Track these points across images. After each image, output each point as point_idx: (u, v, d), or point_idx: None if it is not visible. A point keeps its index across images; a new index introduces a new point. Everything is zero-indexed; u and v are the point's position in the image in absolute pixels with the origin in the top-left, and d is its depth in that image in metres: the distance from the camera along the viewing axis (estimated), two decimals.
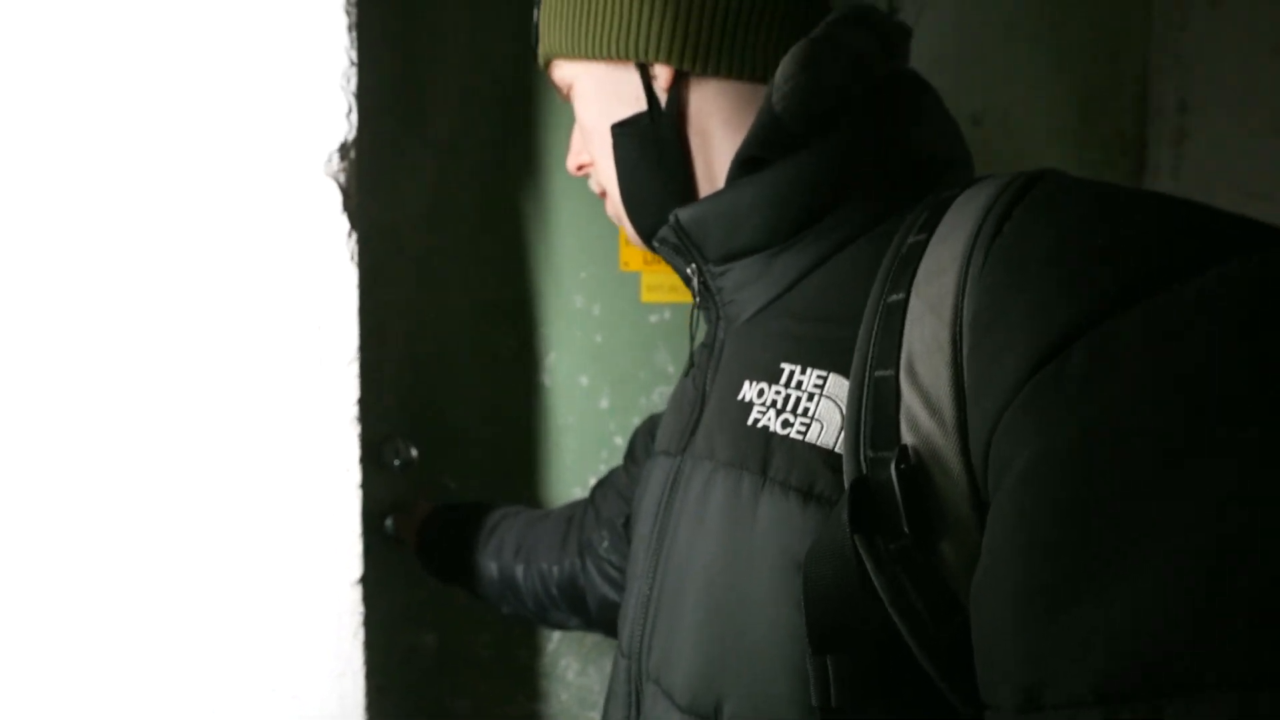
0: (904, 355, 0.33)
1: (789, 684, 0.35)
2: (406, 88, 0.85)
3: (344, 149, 0.61)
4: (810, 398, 0.38)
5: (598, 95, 0.47)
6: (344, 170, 0.61)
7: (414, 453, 0.85)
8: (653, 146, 0.46)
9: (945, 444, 0.31)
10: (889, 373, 0.33)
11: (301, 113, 0.59)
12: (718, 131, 0.45)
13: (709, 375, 0.47)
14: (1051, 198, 0.31)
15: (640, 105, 0.46)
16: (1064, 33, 1.16)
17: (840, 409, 0.37)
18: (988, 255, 0.31)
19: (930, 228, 0.36)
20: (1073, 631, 0.25)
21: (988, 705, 0.28)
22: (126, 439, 0.56)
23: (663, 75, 0.44)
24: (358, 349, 0.63)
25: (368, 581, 0.68)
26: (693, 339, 0.54)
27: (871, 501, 0.32)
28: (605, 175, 0.49)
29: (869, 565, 0.31)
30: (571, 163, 0.53)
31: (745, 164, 0.42)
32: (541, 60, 0.50)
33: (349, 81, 0.60)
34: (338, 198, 0.61)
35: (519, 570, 0.72)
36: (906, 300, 0.34)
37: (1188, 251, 0.27)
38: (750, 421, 0.41)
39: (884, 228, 0.40)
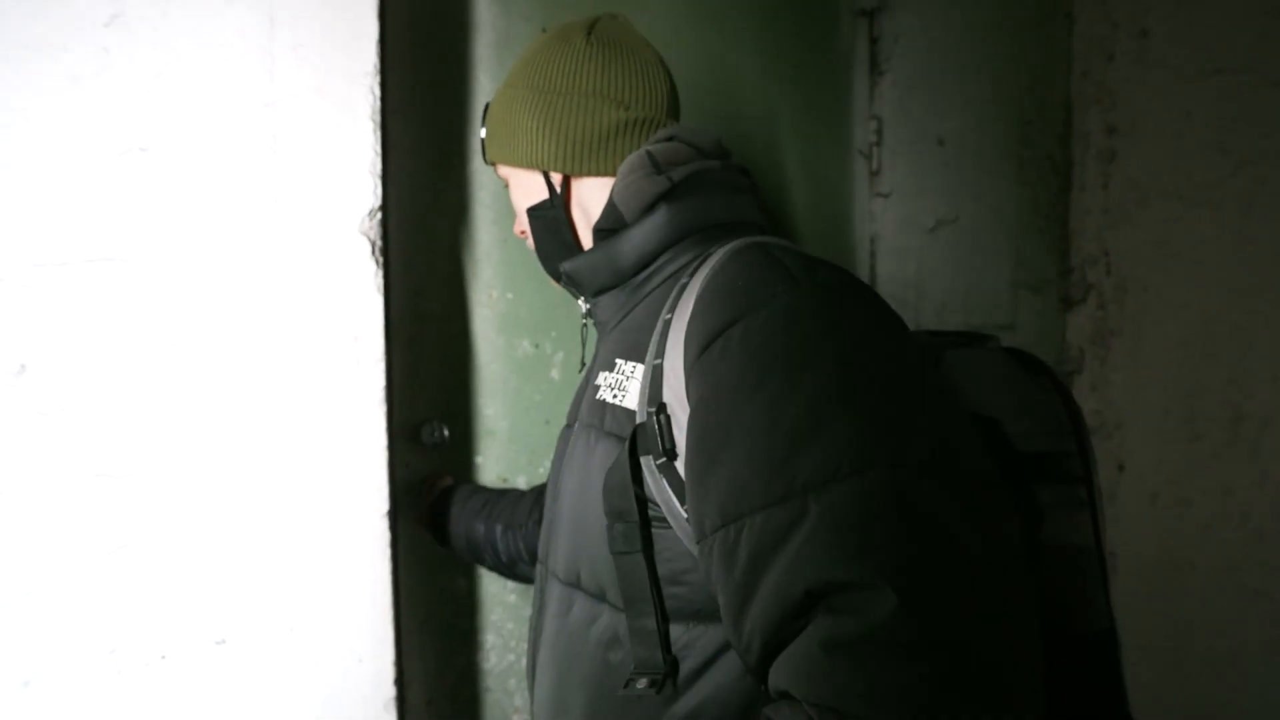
0: (666, 349, 0.56)
1: (604, 548, 0.57)
2: (437, 158, 1.12)
3: (371, 213, 0.87)
4: (628, 379, 0.61)
5: (521, 188, 0.72)
6: (371, 229, 0.87)
7: (446, 432, 1.10)
8: (552, 222, 0.70)
9: (676, 399, 0.53)
10: (659, 361, 0.56)
11: (342, 190, 0.86)
12: (593, 209, 0.68)
13: (584, 387, 0.70)
14: (727, 263, 0.56)
15: (544, 195, 0.70)
16: (1004, 67, 1.31)
17: (639, 384, 0.59)
18: (699, 294, 0.55)
19: (693, 273, 0.59)
20: (709, 490, 0.48)
21: (696, 543, 0.51)
22: (225, 422, 0.84)
23: (556, 177, 0.69)
24: (383, 352, 0.89)
25: (407, 533, 0.92)
26: (584, 345, 0.77)
27: (645, 436, 0.55)
28: (530, 238, 0.75)
29: (644, 472, 0.55)
30: (516, 229, 0.78)
31: (600, 233, 0.66)
32: (488, 162, 0.75)
33: (375, 167, 0.87)
34: (368, 247, 0.87)
35: (498, 530, 0.95)
36: (672, 317, 0.57)
37: (762, 296, 0.51)
38: (598, 397, 0.64)
39: (683, 271, 0.63)
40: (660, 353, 0.56)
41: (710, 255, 0.59)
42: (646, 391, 0.56)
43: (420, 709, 1.12)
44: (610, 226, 0.65)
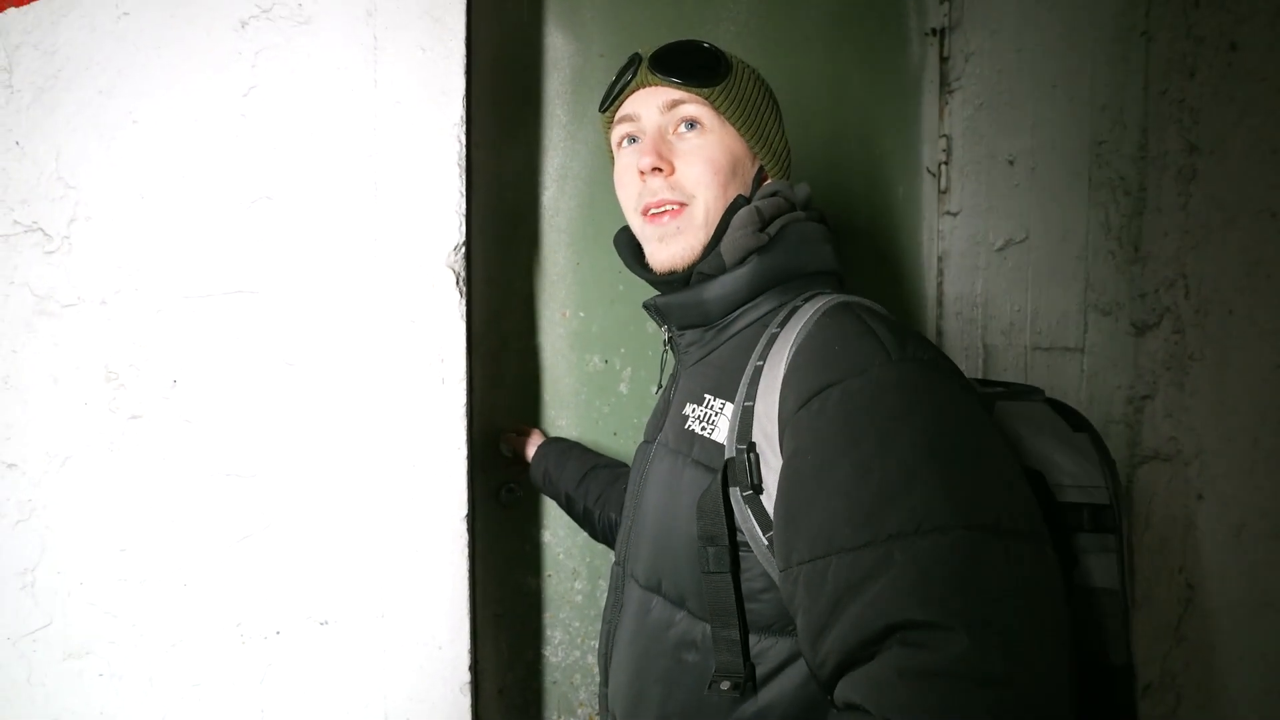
0: (757, 393, 0.62)
1: (691, 565, 0.65)
2: (518, 189, 1.23)
3: (456, 248, 0.98)
4: (716, 414, 0.68)
5: (730, 154, 0.72)
6: (457, 261, 0.98)
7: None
8: (737, 214, 0.72)
9: (766, 439, 0.60)
10: (750, 404, 0.63)
11: (432, 228, 0.98)
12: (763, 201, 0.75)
13: (671, 396, 0.77)
14: (823, 324, 0.62)
15: (746, 184, 0.74)
16: (1076, 86, 1.29)
17: (729, 422, 0.65)
18: (796, 350, 0.61)
19: (783, 324, 0.66)
20: (800, 528, 0.55)
21: (780, 570, 0.58)
22: (332, 430, 0.97)
23: (764, 182, 0.77)
24: (465, 372, 1.00)
25: (484, 535, 1.02)
26: (662, 370, 0.84)
27: (735, 470, 0.62)
28: (712, 203, 0.72)
29: (730, 501, 0.62)
30: (651, 163, 0.71)
31: (700, 275, 0.72)
32: (678, 92, 0.72)
33: (460, 208, 0.98)
34: (453, 278, 0.99)
35: (596, 513, 1.05)
36: (764, 364, 0.64)
37: (860, 364, 0.57)
38: (686, 426, 0.70)
39: (768, 318, 0.69)
40: (751, 395, 0.63)
41: (796, 307, 0.66)
42: (736, 429, 0.63)
43: (492, 697, 1.23)
44: (712, 273, 0.71)
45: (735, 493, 0.61)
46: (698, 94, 0.71)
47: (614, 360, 1.29)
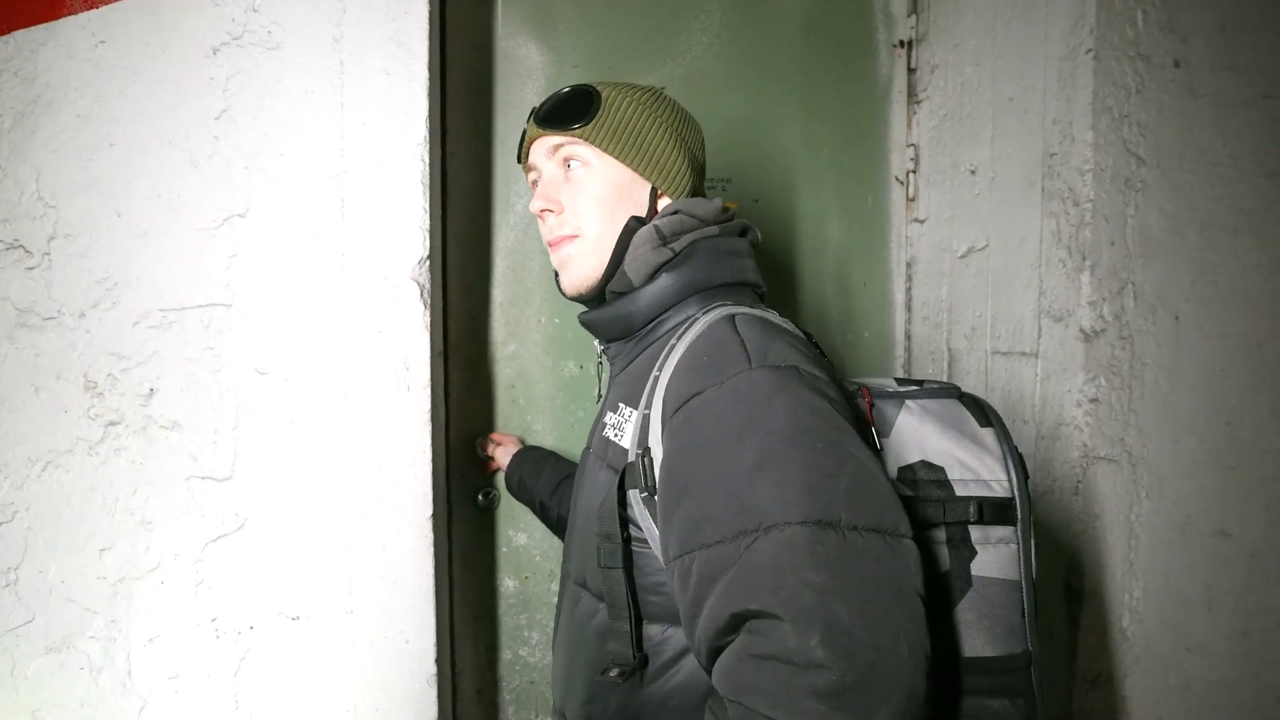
0: (653, 402, 0.67)
1: (594, 560, 0.70)
2: (491, 197, 1.27)
3: (420, 262, 1.03)
4: (625, 421, 0.73)
5: (612, 183, 0.77)
6: (421, 274, 1.03)
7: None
8: (635, 235, 0.77)
9: (658, 445, 0.65)
10: (648, 411, 0.68)
11: (397, 243, 1.02)
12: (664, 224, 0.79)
13: (600, 414, 0.83)
14: (703, 335, 0.66)
15: (643, 205, 0.78)
16: (1030, 99, 1.33)
17: (632, 428, 0.71)
18: (678, 360, 0.67)
19: (680, 335, 0.70)
20: (672, 526, 0.61)
21: (664, 565, 0.64)
22: (302, 435, 1.01)
23: (661, 200, 0.79)
24: (429, 379, 1.04)
25: (462, 537, 1.05)
26: (600, 379, 0.89)
27: (633, 473, 0.67)
28: (600, 235, 0.77)
29: (629, 503, 0.68)
30: (540, 206, 0.79)
31: (613, 293, 0.78)
32: (557, 137, 0.78)
33: (424, 223, 1.02)
34: (417, 291, 1.03)
35: (558, 510, 1.09)
36: (660, 374, 0.68)
37: (720, 372, 0.62)
38: (604, 433, 0.77)
39: (676, 329, 0.74)
40: (649, 404, 0.68)
41: (696, 319, 0.71)
42: (636, 436, 0.68)
43: (470, 698, 1.28)
44: (621, 290, 0.77)
45: (635, 495, 0.67)
46: (574, 135, 0.76)
47: (589, 366, 1.33)
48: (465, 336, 1.27)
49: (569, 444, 1.31)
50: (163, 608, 0.97)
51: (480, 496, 1.28)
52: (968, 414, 0.72)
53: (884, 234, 1.63)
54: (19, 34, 0.89)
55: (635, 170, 0.78)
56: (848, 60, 1.57)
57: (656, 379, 0.68)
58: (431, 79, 1.03)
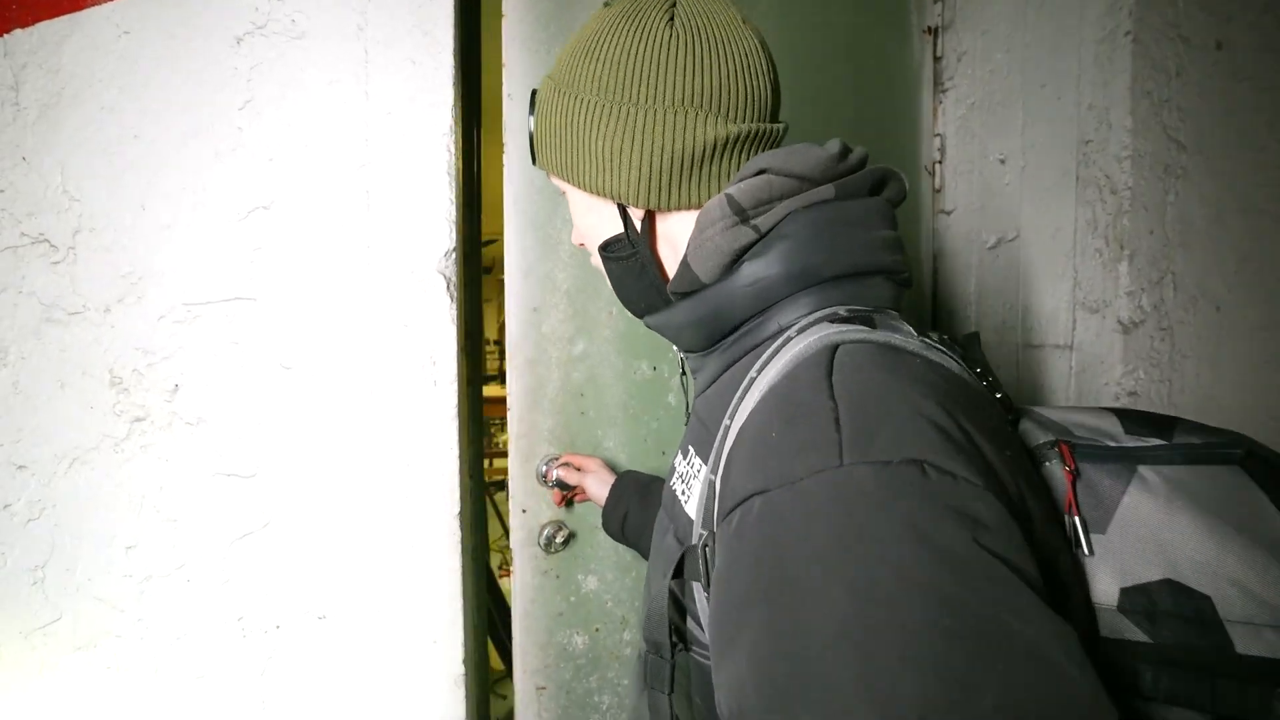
0: (721, 465, 0.46)
1: (662, 627, 0.54)
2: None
3: (447, 254, 1.01)
4: (694, 477, 0.54)
5: (587, 211, 0.59)
6: (448, 267, 1.01)
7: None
8: (632, 261, 0.58)
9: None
10: (715, 478, 0.47)
11: (423, 235, 1.00)
12: (679, 240, 0.57)
13: (685, 434, 0.62)
14: (781, 386, 0.43)
15: (618, 228, 0.57)
16: (1063, 86, 1.30)
17: (699, 494, 0.51)
18: (745, 419, 0.45)
19: (762, 368, 0.48)
20: (722, 673, 0.39)
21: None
22: (328, 431, 1.00)
23: (637, 212, 0.56)
24: (456, 373, 1.03)
25: (525, 590, 0.93)
26: (686, 392, 0.79)
27: (694, 562, 0.49)
28: (595, 260, 0.63)
29: (691, 598, 0.51)
30: (575, 238, 0.65)
31: (675, 294, 0.56)
32: (536, 165, 0.62)
33: (451, 215, 1.01)
34: (444, 283, 1.01)
35: None
36: (730, 425, 0.48)
37: (793, 465, 0.38)
38: (672, 483, 0.59)
39: (766, 346, 0.51)
40: (716, 466, 0.47)
41: (790, 338, 0.49)
42: (702, 509, 0.49)
43: (531, 694, 1.11)
44: (685, 290, 0.55)
45: (698, 589, 0.48)
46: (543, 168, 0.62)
47: (662, 367, 1.12)
48: (524, 334, 1.05)
49: (641, 460, 1.11)
50: (189, 606, 0.96)
51: (544, 536, 1.04)
52: (1259, 495, 0.42)
53: (916, 226, 1.60)
54: (43, 25, 0.88)
55: (589, 192, 0.57)
56: (887, 44, 1.53)
57: (727, 429, 0.47)
58: (458, 67, 1.01)
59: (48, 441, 0.92)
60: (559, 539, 1.06)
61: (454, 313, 1.02)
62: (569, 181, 0.58)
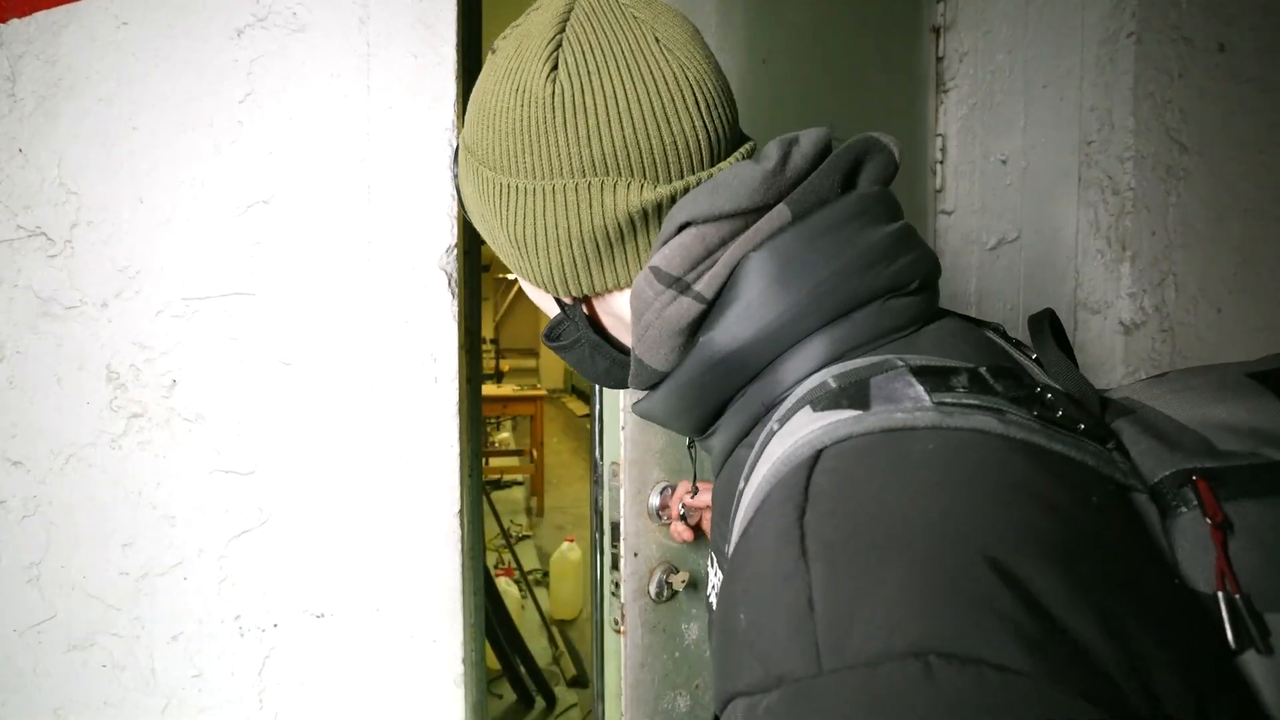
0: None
1: None
2: None
3: (448, 250, 1.00)
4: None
5: (528, 289, 0.52)
6: (449, 263, 1.01)
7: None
8: (579, 344, 0.50)
9: None
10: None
11: (424, 231, 1.00)
12: (626, 317, 0.47)
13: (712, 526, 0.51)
14: (750, 539, 0.32)
15: (554, 308, 0.50)
16: (1065, 87, 1.30)
17: None
18: (729, 570, 0.33)
19: (748, 476, 0.38)
20: None
21: None
22: (327, 428, 0.99)
23: (566, 297, 0.48)
24: (457, 370, 1.02)
25: (635, 651, 0.81)
26: (694, 466, 0.72)
27: None
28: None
29: None
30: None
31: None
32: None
33: (452, 210, 1.00)
34: (445, 279, 1.01)
35: None
36: (729, 550, 0.38)
37: (767, 663, 0.27)
38: (709, 592, 0.49)
39: (760, 429, 0.41)
40: None
41: (772, 429, 0.38)
42: None
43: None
44: (648, 385, 0.46)
45: None
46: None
47: None
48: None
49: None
50: (186, 605, 0.95)
51: (668, 583, 0.86)
52: None
53: (923, 226, 1.60)
54: (41, 15, 0.87)
55: (515, 274, 0.49)
56: (894, 41, 1.52)
57: (726, 558, 0.41)
58: (460, 61, 1.00)
59: (43, 437, 0.90)
60: (675, 584, 0.86)
61: (455, 309, 1.01)
62: (499, 256, 0.50)
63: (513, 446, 7.27)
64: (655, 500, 0.87)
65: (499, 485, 5.94)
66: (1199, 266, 1.22)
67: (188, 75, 0.92)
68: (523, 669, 2.94)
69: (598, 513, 0.96)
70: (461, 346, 1.04)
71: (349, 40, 0.96)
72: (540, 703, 2.99)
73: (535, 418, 5.73)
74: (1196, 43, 1.19)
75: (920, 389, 0.34)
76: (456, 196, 0.99)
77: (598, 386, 0.95)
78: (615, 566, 0.82)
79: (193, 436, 0.95)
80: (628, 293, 0.46)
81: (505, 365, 8.50)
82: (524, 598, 3.70)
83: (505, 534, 3.99)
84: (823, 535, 0.29)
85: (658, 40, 0.43)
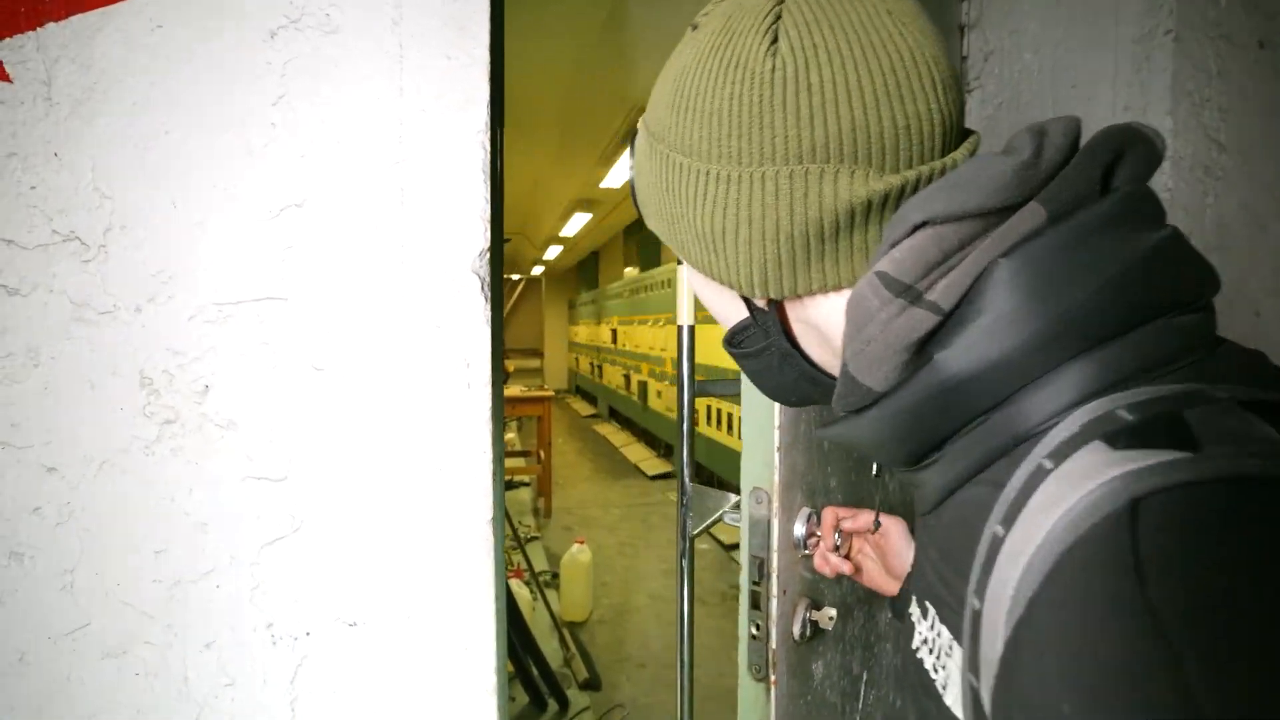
0: (980, 666, 0.32)
1: None
2: None
3: (481, 254, 0.99)
4: (948, 654, 0.38)
5: (704, 286, 0.47)
6: (481, 267, 0.99)
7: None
8: (767, 352, 0.45)
9: None
10: (977, 684, 0.33)
11: (457, 234, 0.99)
12: (825, 326, 0.43)
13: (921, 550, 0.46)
14: (1041, 635, 0.27)
15: (742, 312, 0.46)
16: (1098, 87, 1.28)
17: (958, 688, 0.36)
18: (1015, 633, 0.29)
19: (1010, 520, 0.32)
20: None
21: None
22: (360, 434, 0.98)
23: (760, 299, 0.44)
24: (490, 376, 1.01)
25: (781, 704, 0.74)
26: (876, 499, 0.60)
27: None
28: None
29: None
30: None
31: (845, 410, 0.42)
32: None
33: (485, 213, 0.99)
34: (478, 283, 1.00)
35: None
36: (980, 610, 0.33)
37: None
38: (914, 644, 0.42)
39: (1004, 468, 0.35)
40: (975, 666, 0.33)
41: (1045, 468, 0.32)
42: (971, 713, 0.35)
43: None
44: (857, 407, 0.40)
45: None
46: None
47: None
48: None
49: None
50: (219, 612, 0.94)
51: (815, 620, 0.77)
52: None
53: None
54: (76, 19, 0.86)
55: (695, 268, 0.45)
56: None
57: (978, 614, 0.33)
58: (493, 62, 0.99)
59: (77, 443, 0.90)
60: (821, 621, 0.76)
61: (488, 314, 1.00)
62: (678, 253, 0.46)
63: (518, 447, 7.26)
64: (801, 529, 0.79)
65: (508, 486, 5.94)
66: (1236, 269, 1.20)
67: (221, 78, 0.91)
68: (535, 671, 2.94)
69: (685, 536, 0.91)
70: (494, 351, 1.03)
71: (381, 42, 0.95)
72: (553, 705, 2.98)
73: (543, 419, 5.72)
74: (1236, 40, 1.18)
75: (1270, 428, 0.30)
76: (490, 200, 0.98)
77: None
78: (756, 605, 0.75)
79: (225, 442, 0.94)
80: (832, 298, 0.42)
81: (510, 366, 8.50)
82: (535, 599, 3.70)
83: (516, 535, 3.98)
84: (1191, 617, 0.23)
85: (890, 13, 0.38)
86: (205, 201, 0.92)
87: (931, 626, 0.40)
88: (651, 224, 0.46)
